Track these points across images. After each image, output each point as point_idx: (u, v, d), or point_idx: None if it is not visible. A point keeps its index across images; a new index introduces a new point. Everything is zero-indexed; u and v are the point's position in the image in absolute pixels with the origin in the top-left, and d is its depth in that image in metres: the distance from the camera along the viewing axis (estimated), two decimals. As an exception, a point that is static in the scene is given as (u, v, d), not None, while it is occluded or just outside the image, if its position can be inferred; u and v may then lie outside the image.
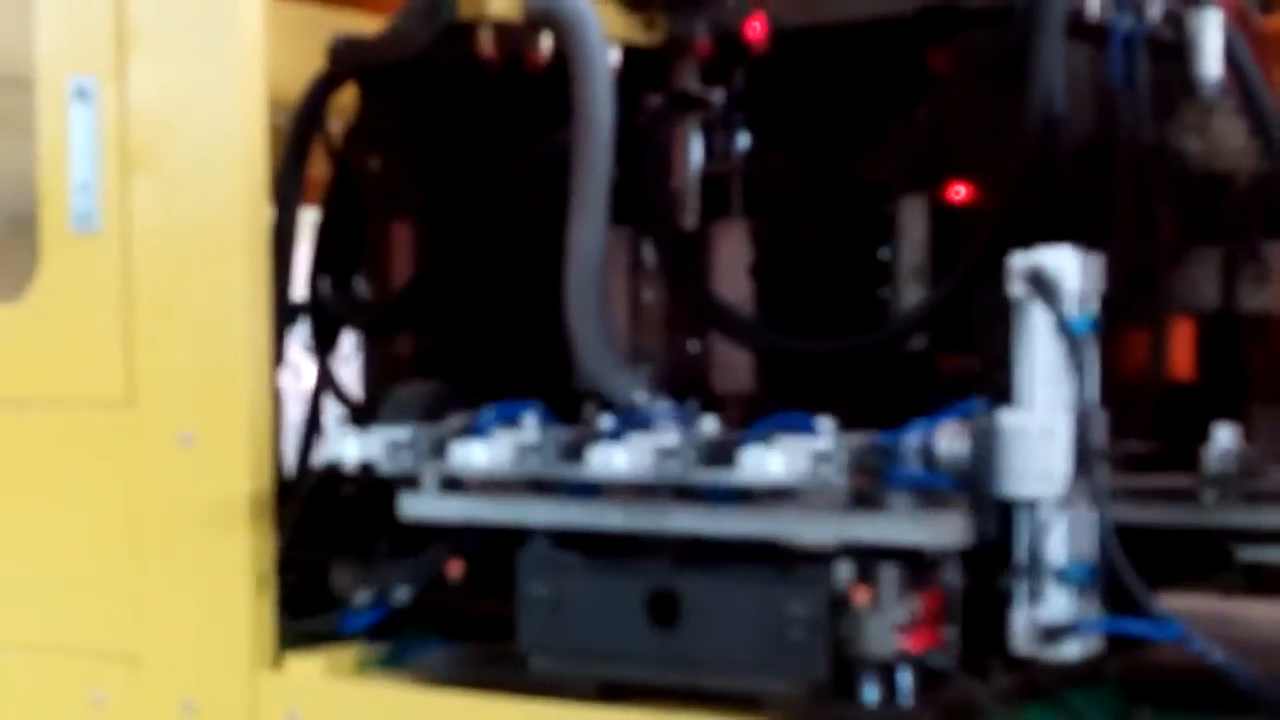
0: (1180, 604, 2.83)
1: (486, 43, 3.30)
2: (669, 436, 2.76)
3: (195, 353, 3.21)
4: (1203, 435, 2.85)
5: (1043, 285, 2.61)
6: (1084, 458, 2.60)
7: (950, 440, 2.63)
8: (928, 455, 2.63)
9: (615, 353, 3.06)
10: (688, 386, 3.23)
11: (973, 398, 2.67)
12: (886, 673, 2.69)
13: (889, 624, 2.66)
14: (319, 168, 3.71)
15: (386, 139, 3.65)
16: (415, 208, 3.63)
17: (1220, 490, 2.80)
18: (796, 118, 3.30)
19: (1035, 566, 2.62)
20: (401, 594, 3.17)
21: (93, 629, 3.37)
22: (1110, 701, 2.76)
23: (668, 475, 2.74)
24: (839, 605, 2.68)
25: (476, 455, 2.89)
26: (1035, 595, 2.62)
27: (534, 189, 3.43)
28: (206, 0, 3.19)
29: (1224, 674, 2.58)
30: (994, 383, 2.75)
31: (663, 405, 2.94)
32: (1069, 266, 2.62)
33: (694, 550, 2.81)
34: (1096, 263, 2.65)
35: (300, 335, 3.76)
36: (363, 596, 3.21)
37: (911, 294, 3.16)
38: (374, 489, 3.14)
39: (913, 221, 3.16)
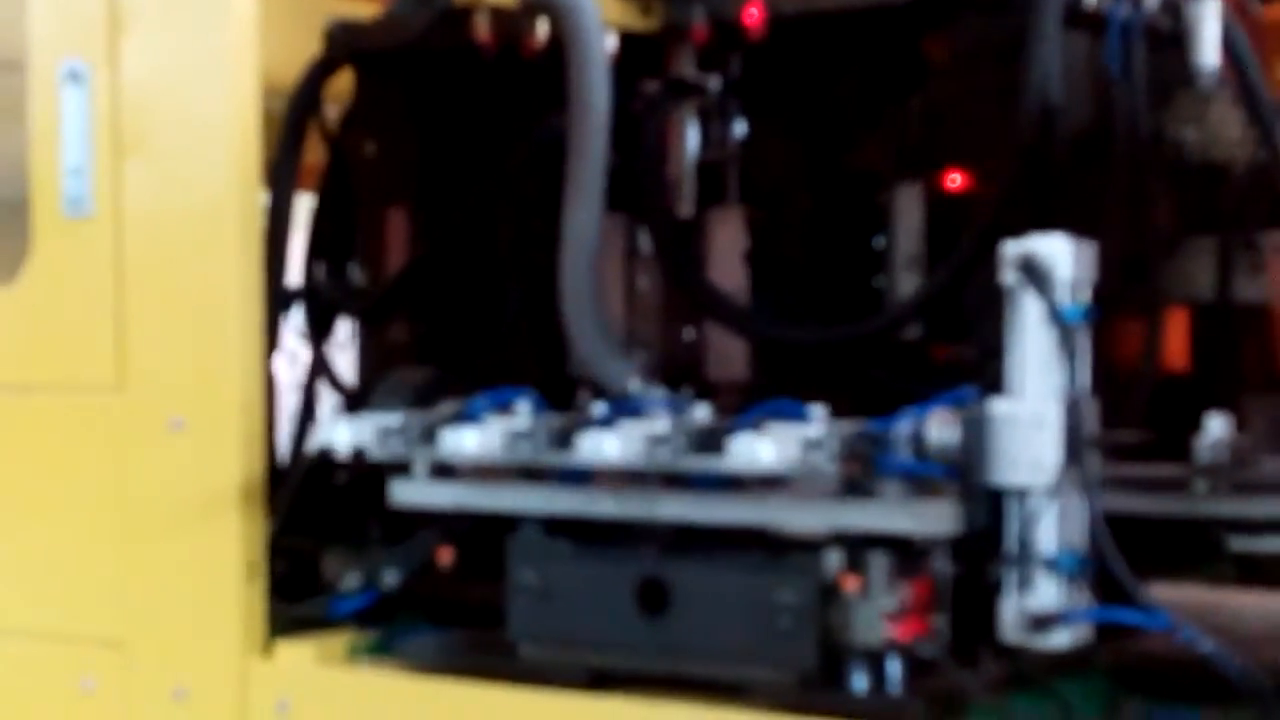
0: (1170, 594, 2.82)
1: (482, 28, 3.28)
2: (660, 424, 2.75)
3: (187, 338, 3.20)
4: (1196, 425, 2.84)
5: (1034, 273, 2.60)
6: (1075, 447, 2.59)
7: (941, 429, 2.62)
8: (918, 443, 2.63)
9: (610, 340, 3.05)
10: (683, 374, 3.22)
11: (965, 386, 2.66)
12: (875, 661, 2.68)
13: (878, 612, 2.65)
14: (314, 153, 3.70)
15: (382, 124, 3.65)
16: (411, 194, 3.62)
17: (1211, 480, 2.79)
18: (793, 105, 3.29)
19: (1025, 555, 2.60)
20: (391, 578, 3.16)
21: (82, 615, 3.36)
22: (1099, 691, 2.75)
23: (658, 462, 2.73)
24: (828, 593, 2.67)
25: (467, 441, 2.88)
26: (1025, 584, 2.61)
27: (529, 175, 3.43)
28: (200, -16, 3.19)
29: (1213, 664, 2.57)
30: (988, 372, 2.74)
31: (656, 393, 2.93)
32: (1061, 254, 2.60)
33: (684, 538, 2.80)
34: (1089, 251, 2.64)
35: (295, 322, 3.76)
36: (352, 581, 3.20)
37: (907, 283, 3.16)
38: (366, 475, 3.13)
39: (908, 210, 3.16)
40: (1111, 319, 2.83)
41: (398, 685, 3.05)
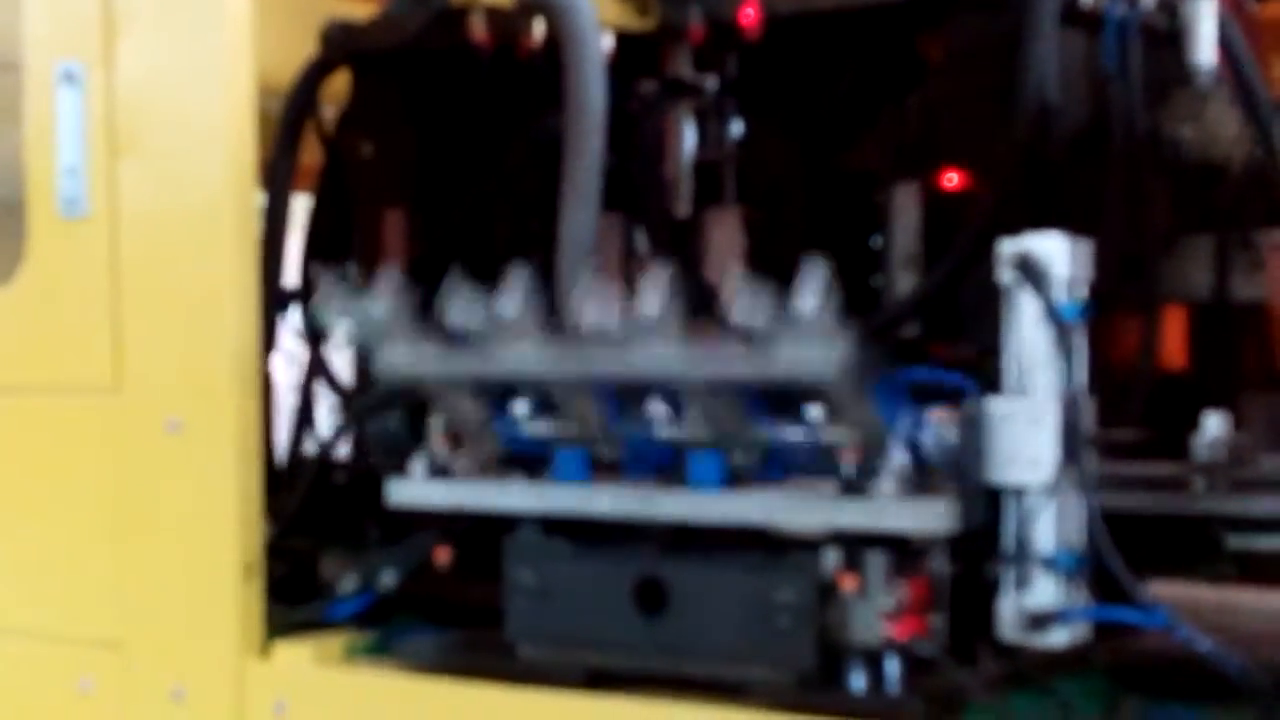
0: (1168, 592, 2.82)
1: (479, 28, 3.29)
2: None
3: (183, 338, 3.19)
4: (1194, 424, 2.84)
5: (1031, 271, 2.60)
6: (1072, 445, 2.59)
7: (938, 427, 2.62)
8: (915, 442, 2.63)
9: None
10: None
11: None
12: (873, 660, 2.68)
13: (876, 611, 2.65)
14: (311, 154, 3.70)
15: (379, 125, 3.64)
16: (408, 194, 3.61)
17: (1209, 478, 2.79)
18: (790, 105, 3.29)
19: (1023, 554, 2.61)
20: (388, 579, 3.16)
21: (80, 616, 3.36)
22: (1098, 689, 2.74)
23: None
24: (826, 592, 2.67)
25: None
26: (1023, 582, 2.61)
27: (526, 176, 3.42)
28: (196, -16, 3.19)
29: (1212, 662, 2.57)
30: (986, 370, 2.74)
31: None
32: (1057, 252, 2.60)
33: (682, 537, 2.80)
34: (1086, 249, 2.64)
35: (292, 322, 3.75)
36: (349, 582, 3.20)
37: (904, 282, 3.15)
38: (364, 476, 3.13)
39: (905, 209, 3.15)
40: (1109, 317, 2.83)
41: (395, 685, 3.04)
